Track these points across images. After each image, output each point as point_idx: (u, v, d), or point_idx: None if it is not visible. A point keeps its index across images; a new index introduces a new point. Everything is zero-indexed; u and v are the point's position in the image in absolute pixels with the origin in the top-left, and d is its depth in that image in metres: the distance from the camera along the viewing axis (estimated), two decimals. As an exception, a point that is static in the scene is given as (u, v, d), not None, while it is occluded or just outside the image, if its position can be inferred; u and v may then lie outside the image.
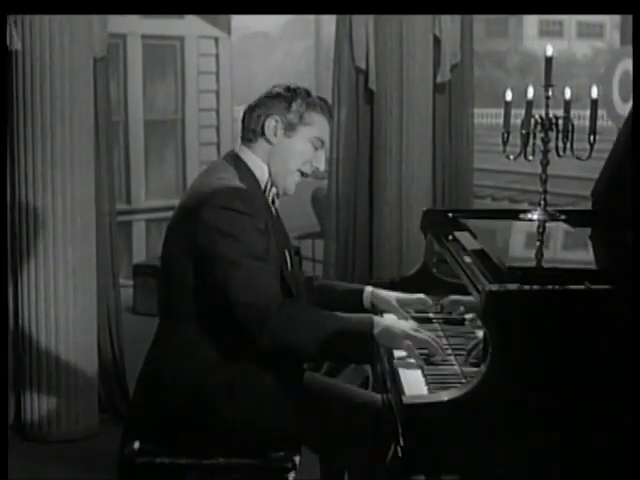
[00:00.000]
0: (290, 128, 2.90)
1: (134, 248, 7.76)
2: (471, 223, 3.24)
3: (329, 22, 6.19)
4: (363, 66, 5.61)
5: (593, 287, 2.24)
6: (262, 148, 2.92)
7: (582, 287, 2.24)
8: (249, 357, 2.73)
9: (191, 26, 8.22)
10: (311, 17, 10.21)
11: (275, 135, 2.90)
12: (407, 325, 2.78)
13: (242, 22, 9.41)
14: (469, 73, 5.88)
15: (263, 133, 2.91)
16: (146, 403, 2.82)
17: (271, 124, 2.89)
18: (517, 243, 3.32)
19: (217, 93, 8.47)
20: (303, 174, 2.94)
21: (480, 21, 13.64)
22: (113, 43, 4.94)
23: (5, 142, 4.60)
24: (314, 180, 8.00)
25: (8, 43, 4.46)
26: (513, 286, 2.23)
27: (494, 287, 2.22)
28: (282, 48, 10.46)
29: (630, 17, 6.23)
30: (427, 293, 3.30)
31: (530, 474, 2.23)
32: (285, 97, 2.92)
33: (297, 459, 2.71)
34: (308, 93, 2.95)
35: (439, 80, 5.71)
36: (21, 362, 4.71)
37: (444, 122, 5.84)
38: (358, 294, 3.20)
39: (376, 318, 2.75)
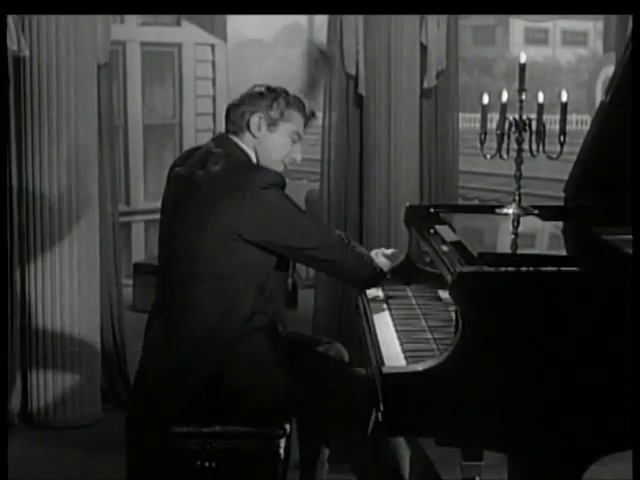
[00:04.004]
0: (272, 124, 3.15)
1: (133, 248, 7.78)
2: (463, 224, 3.43)
3: (321, 30, 6.30)
4: (353, 72, 5.66)
5: (543, 269, 2.47)
6: (248, 140, 3.17)
7: (537, 269, 2.46)
8: (251, 329, 2.97)
9: (188, 33, 8.25)
10: (304, 25, 10.21)
11: (259, 130, 3.15)
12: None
13: (237, 30, 9.38)
14: (454, 79, 5.94)
15: (248, 128, 3.15)
16: (152, 373, 3.04)
17: (255, 120, 3.14)
18: (505, 242, 3.46)
19: (214, 98, 8.55)
20: (284, 165, 3.20)
21: (468, 29, 13.68)
22: (113, 50, 4.95)
23: (6, 142, 4.64)
24: (308, 182, 8.13)
25: (16, 49, 4.52)
26: (479, 268, 2.46)
27: (463, 269, 2.46)
28: (276, 55, 10.48)
29: (613, 26, 6.44)
30: (410, 282, 3.50)
31: (497, 434, 2.46)
32: (267, 96, 3.18)
33: (287, 427, 2.92)
34: (287, 92, 3.20)
35: (426, 85, 5.75)
36: (28, 353, 4.78)
37: (430, 126, 5.89)
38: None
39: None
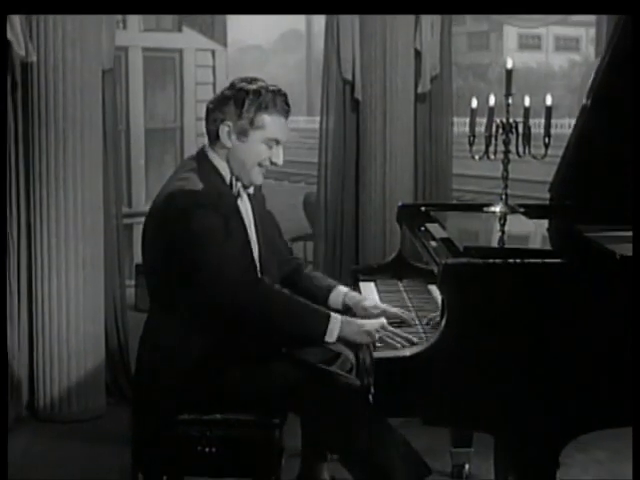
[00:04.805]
0: (242, 133, 3.00)
1: (135, 249, 7.71)
2: (461, 226, 3.58)
3: (319, 37, 6.38)
4: (350, 77, 5.75)
5: (521, 260, 2.62)
6: (221, 149, 3.04)
7: (515, 261, 2.61)
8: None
9: (189, 39, 8.26)
10: (302, 32, 10.24)
11: (229, 139, 3.01)
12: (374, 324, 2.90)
13: (237, 36, 9.44)
14: (448, 84, 6.00)
15: (217, 138, 3.03)
16: (158, 366, 3.09)
17: (224, 130, 3.00)
18: (493, 239, 3.58)
19: None
20: (263, 166, 3.06)
21: (463, 35, 13.75)
22: (115, 55, 4.98)
23: (5, 142, 4.67)
24: (306, 185, 8.21)
25: (24, 55, 4.56)
26: (463, 259, 2.61)
27: (449, 260, 2.61)
28: (275, 60, 10.47)
29: (604, 32, 6.54)
30: (402, 278, 3.65)
31: (478, 414, 2.61)
32: (236, 101, 3.00)
33: (284, 417, 3.03)
34: (258, 93, 3.00)
35: (420, 90, 5.83)
36: (35, 349, 4.81)
37: (425, 129, 5.97)
38: (325, 293, 3.27)
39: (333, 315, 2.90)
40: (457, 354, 2.56)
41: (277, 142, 3.05)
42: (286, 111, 3.05)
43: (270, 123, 3.02)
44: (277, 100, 3.03)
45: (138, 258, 7.54)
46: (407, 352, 2.58)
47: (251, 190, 3.17)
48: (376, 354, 2.63)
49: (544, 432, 2.61)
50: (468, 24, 12.95)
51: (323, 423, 2.96)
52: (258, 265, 3.12)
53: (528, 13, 5.48)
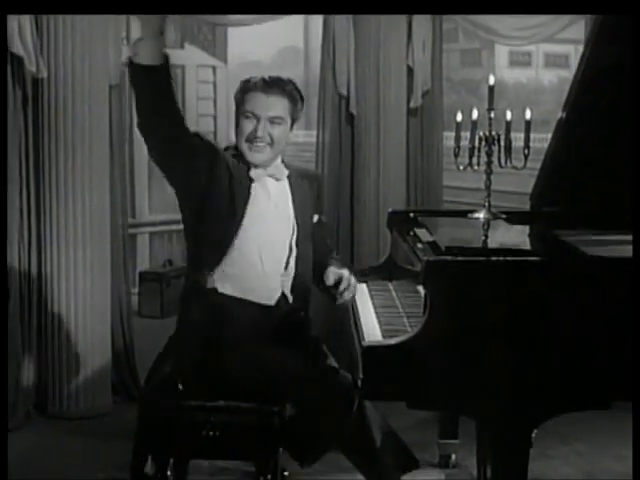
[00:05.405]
0: (237, 112, 3.32)
1: (138, 258, 7.84)
2: (452, 235, 3.78)
3: (316, 53, 6.52)
4: (345, 92, 5.92)
5: (496, 258, 2.85)
6: None
7: (490, 258, 2.84)
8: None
9: (191, 56, 8.40)
10: (300, 48, 10.34)
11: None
12: None
13: (238, 52, 9.54)
14: (439, 99, 6.18)
15: None
16: (168, 354, 3.33)
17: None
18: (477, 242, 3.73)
19: (214, 117, 8.65)
20: (253, 143, 3.27)
21: (456, 52, 13.90)
22: (122, 71, 5.03)
23: (5, 142, 4.69)
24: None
25: (35, 70, 4.68)
26: (443, 257, 2.85)
27: (430, 258, 2.85)
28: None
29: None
30: (392, 279, 3.86)
31: (458, 398, 2.83)
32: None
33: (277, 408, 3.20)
34: (248, 80, 3.32)
35: (412, 105, 6.02)
36: (44, 349, 4.91)
37: (416, 142, 6.14)
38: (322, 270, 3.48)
39: None
40: (438, 343, 2.78)
41: (256, 117, 3.26)
42: (263, 88, 3.27)
43: (247, 99, 3.28)
44: (258, 81, 3.29)
45: (142, 267, 7.82)
46: (393, 341, 2.80)
47: (281, 175, 3.37)
48: (365, 342, 2.86)
49: (518, 415, 2.82)
50: (461, 42, 13.07)
51: (317, 412, 3.16)
52: (294, 246, 3.35)
53: (528, 13, 5.61)
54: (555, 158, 3.66)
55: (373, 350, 2.80)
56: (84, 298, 4.90)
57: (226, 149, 3.39)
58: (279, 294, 3.35)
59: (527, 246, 3.62)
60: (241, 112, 3.29)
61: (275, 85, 3.29)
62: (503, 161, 3.89)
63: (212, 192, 3.22)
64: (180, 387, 3.25)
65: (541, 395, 2.83)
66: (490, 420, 2.85)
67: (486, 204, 3.85)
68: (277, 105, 3.28)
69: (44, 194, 4.88)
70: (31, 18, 4.70)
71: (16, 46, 4.66)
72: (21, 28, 4.67)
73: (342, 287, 3.29)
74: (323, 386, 3.15)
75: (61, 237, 4.87)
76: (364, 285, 3.81)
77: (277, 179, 3.36)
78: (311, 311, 3.43)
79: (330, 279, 3.35)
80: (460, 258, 2.82)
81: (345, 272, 3.35)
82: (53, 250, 4.88)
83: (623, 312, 2.82)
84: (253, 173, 3.31)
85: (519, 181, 4.81)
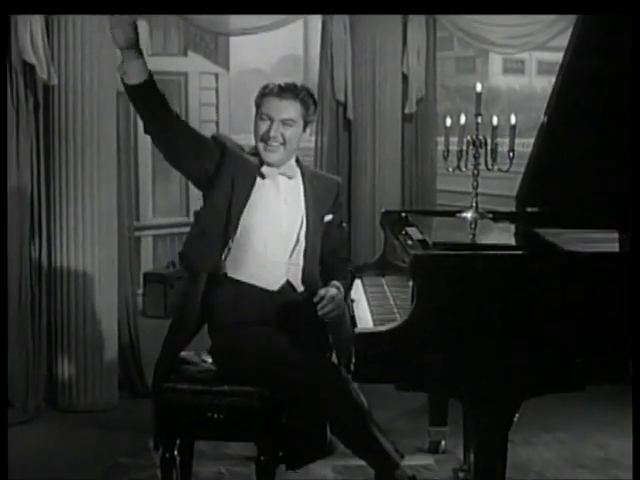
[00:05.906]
0: (255, 115, 3.57)
1: (142, 260, 7.87)
2: (447, 238, 3.93)
3: (315, 61, 6.63)
4: (342, 99, 6.03)
5: (477, 252, 3.05)
6: None
7: (472, 252, 3.05)
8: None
9: (194, 63, 8.35)
10: (300, 56, 10.40)
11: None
12: None
13: (239, 60, 9.61)
14: (433, 105, 6.30)
15: None
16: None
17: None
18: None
19: (217, 123, 8.65)
20: (267, 143, 3.51)
21: (451, 60, 13.99)
22: None
23: (5, 142, 4.76)
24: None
25: (46, 78, 4.80)
26: (429, 251, 3.06)
27: (418, 252, 3.06)
28: None
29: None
30: (385, 275, 4.03)
31: (442, 380, 3.02)
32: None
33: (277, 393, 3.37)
34: (266, 86, 3.57)
35: (407, 111, 6.14)
36: (54, 346, 5.05)
37: (411, 147, 6.26)
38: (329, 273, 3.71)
39: None
40: (424, 330, 2.97)
41: (269, 117, 3.52)
42: (278, 93, 3.52)
43: (264, 102, 3.54)
44: (274, 87, 3.55)
45: (146, 268, 7.87)
46: (383, 328, 3.00)
47: (293, 174, 3.61)
48: (357, 329, 3.07)
49: (500, 395, 3.01)
50: (456, 49, 13.18)
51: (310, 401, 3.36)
52: (303, 239, 3.58)
53: (528, 13, 5.72)
54: (537, 161, 3.82)
55: (365, 336, 3.00)
56: (92, 294, 5.01)
57: (248, 149, 3.63)
58: (283, 281, 3.57)
59: (510, 242, 3.78)
60: (258, 114, 3.54)
61: (289, 90, 3.53)
62: (490, 164, 4.07)
63: (219, 181, 3.47)
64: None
65: (520, 378, 3.01)
66: (473, 401, 3.03)
67: (473, 204, 4.03)
68: (289, 108, 3.52)
69: (54, 197, 5.00)
70: (42, 28, 4.84)
71: (28, 55, 4.80)
72: (33, 37, 4.81)
73: (319, 306, 3.42)
74: (308, 370, 3.33)
75: (70, 238, 4.99)
76: (358, 281, 3.97)
77: (289, 177, 3.61)
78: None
79: (318, 294, 3.48)
80: (445, 252, 3.01)
81: (332, 291, 3.49)
82: (63, 251, 5.00)
83: (594, 301, 3.02)
84: (265, 170, 3.56)
85: (509, 185, 4.99)
